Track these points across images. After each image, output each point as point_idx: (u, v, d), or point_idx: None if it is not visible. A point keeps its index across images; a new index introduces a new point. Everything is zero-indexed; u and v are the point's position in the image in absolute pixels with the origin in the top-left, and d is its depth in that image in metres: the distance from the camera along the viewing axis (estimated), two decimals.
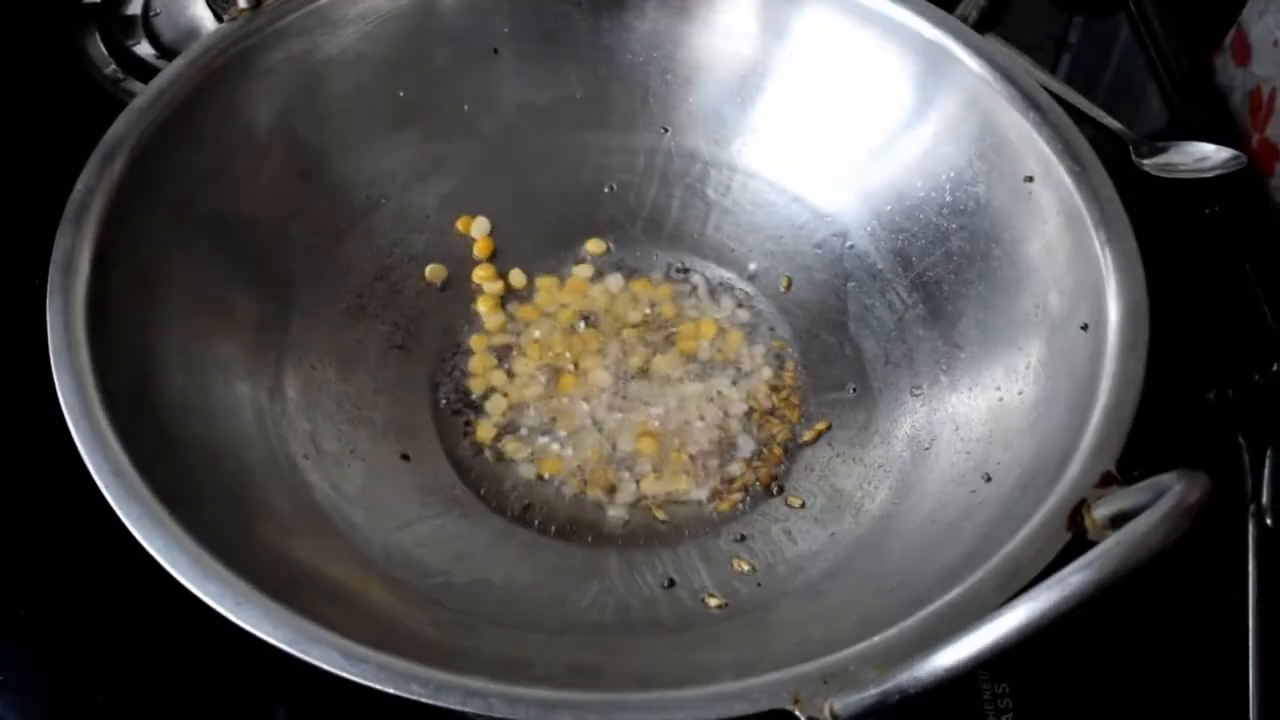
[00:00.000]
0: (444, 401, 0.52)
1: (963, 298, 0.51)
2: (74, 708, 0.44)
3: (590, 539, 0.48)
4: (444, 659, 0.35)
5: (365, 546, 0.45)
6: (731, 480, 0.50)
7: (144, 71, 0.63)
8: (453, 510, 0.48)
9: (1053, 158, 0.48)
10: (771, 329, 0.55)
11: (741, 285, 0.56)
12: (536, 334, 0.55)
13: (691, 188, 0.58)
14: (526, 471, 0.50)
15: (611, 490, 0.50)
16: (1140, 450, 0.40)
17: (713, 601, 0.45)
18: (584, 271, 0.57)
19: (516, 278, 0.56)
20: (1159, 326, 0.43)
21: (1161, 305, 0.44)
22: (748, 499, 0.49)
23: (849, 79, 0.55)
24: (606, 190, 0.58)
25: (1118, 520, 0.36)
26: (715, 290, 0.56)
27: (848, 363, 0.53)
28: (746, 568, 0.47)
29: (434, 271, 0.55)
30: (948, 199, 0.52)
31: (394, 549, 0.45)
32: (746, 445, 0.51)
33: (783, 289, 0.56)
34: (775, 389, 0.53)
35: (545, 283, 0.56)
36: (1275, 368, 0.54)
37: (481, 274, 0.56)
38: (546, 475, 0.50)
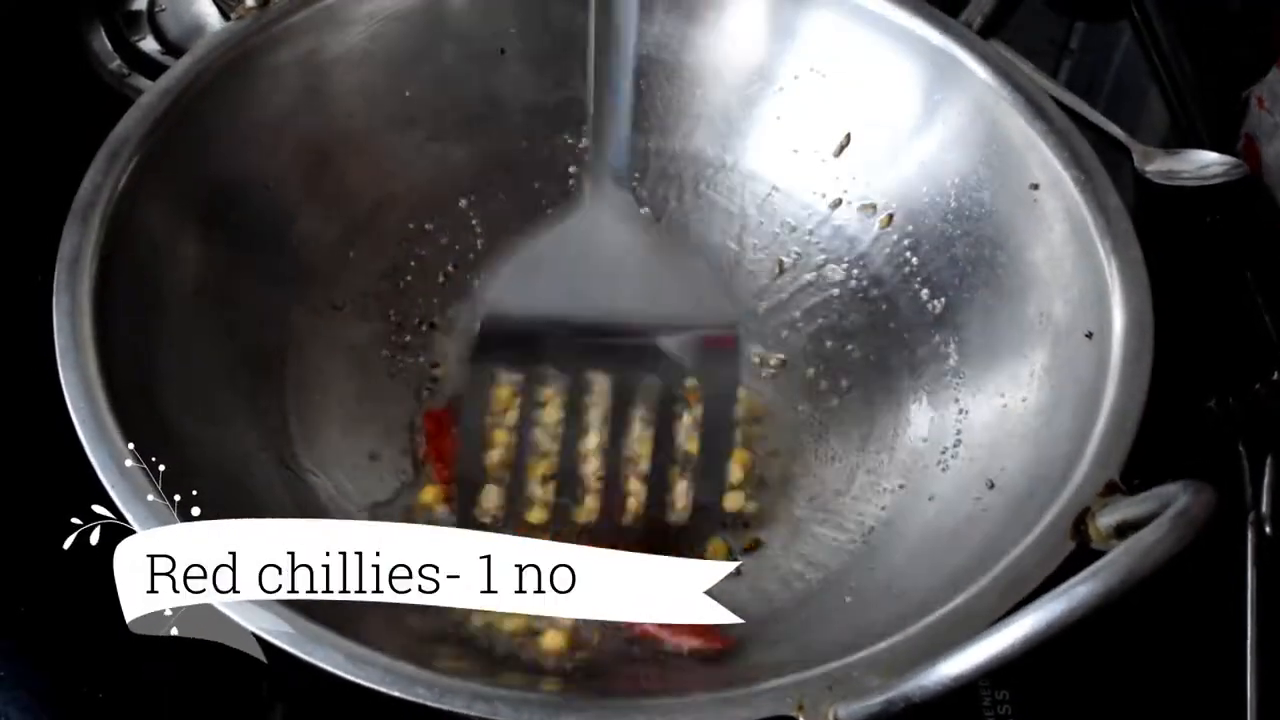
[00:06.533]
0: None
1: (967, 304, 0.51)
2: (74, 705, 0.44)
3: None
4: (449, 662, 0.36)
5: None
6: (732, 489, 0.49)
7: (149, 68, 0.62)
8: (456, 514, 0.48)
9: (1058, 165, 0.48)
10: (773, 334, 0.55)
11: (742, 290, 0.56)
12: None
13: (696, 190, 0.58)
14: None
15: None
16: (1139, 458, 0.40)
17: None
18: None
19: None
20: (1159, 334, 0.43)
21: (1162, 313, 0.44)
22: (748, 507, 0.49)
23: (855, 84, 0.55)
24: None
25: (1121, 529, 0.37)
26: None
27: (850, 368, 0.53)
28: (746, 575, 0.47)
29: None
30: (953, 205, 0.52)
31: None
32: (746, 452, 0.51)
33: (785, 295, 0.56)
34: (775, 395, 0.53)
35: None
36: (1276, 376, 0.54)
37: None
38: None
